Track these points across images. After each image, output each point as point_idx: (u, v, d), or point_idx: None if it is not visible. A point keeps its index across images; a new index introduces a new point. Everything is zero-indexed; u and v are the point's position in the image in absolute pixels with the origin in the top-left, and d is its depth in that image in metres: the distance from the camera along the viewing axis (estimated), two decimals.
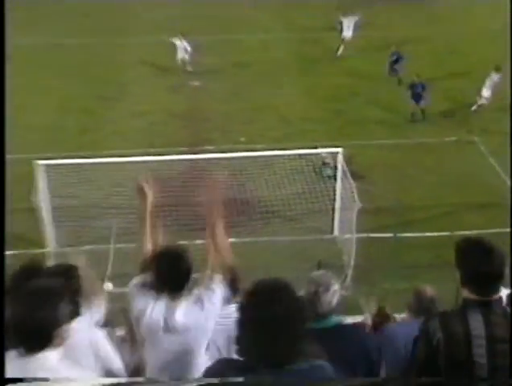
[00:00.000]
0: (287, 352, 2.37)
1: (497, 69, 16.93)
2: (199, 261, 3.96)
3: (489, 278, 3.05)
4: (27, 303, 2.78)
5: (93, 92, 18.41)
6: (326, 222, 12.39)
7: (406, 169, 14.45)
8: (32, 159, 11.73)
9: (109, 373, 3.50)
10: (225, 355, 4.01)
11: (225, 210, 4.09)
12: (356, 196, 11.46)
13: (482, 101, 16.99)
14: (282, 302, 2.38)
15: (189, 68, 20.12)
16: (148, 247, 4.14)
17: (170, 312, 3.73)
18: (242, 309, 2.47)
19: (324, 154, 13.35)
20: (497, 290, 3.09)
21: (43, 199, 11.52)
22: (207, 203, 4.15)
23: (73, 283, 3.35)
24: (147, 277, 3.85)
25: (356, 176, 12.43)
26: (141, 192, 4.26)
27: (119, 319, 4.22)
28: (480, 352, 3.00)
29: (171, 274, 3.75)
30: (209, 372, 2.66)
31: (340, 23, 21.70)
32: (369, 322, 5.86)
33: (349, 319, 4.41)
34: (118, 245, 10.78)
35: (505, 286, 4.12)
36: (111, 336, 3.81)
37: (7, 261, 3.92)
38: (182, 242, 4.48)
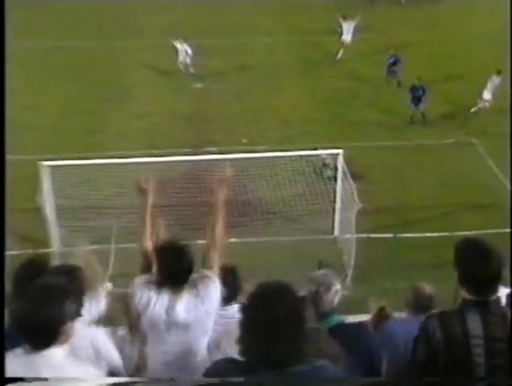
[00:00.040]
0: (288, 353, 2.39)
1: (499, 72, 17.16)
2: (200, 261, 3.98)
3: (486, 280, 3.06)
4: (33, 300, 2.78)
5: (97, 95, 18.51)
6: (326, 222, 12.45)
7: (406, 170, 14.51)
8: (37, 160, 11.83)
9: (109, 371, 3.49)
10: (227, 354, 3.92)
11: (228, 209, 4.10)
12: (356, 197, 11.52)
13: (484, 104, 17.13)
14: (283, 304, 2.41)
15: (191, 70, 20.24)
16: (147, 245, 4.13)
17: (172, 306, 3.72)
18: (244, 310, 2.50)
19: (324, 156, 13.38)
20: (494, 291, 3.10)
21: (47, 200, 11.60)
22: (211, 199, 4.14)
23: (77, 283, 3.35)
24: (150, 277, 3.86)
25: (356, 177, 12.49)
26: (141, 191, 4.27)
27: (120, 318, 4.20)
28: (478, 352, 3.02)
29: (174, 268, 3.74)
30: (211, 371, 2.68)
31: (340, 27, 21.78)
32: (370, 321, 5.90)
33: (351, 318, 4.35)
34: (121, 245, 10.83)
35: (506, 285, 4.19)
36: (112, 335, 3.82)
37: (13, 260, 3.94)
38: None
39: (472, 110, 17.27)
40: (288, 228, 12.28)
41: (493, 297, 3.10)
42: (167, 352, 3.79)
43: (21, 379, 2.57)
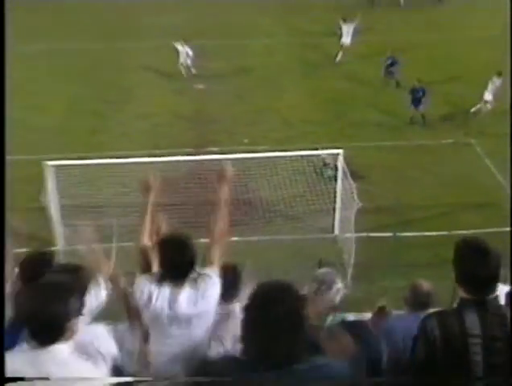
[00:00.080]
0: (290, 352, 2.39)
1: (499, 74, 17.31)
2: (201, 260, 3.96)
3: (483, 280, 3.07)
4: (40, 297, 2.80)
5: (101, 96, 18.64)
6: (327, 221, 12.51)
7: (405, 170, 14.57)
8: (42, 160, 11.93)
9: (112, 367, 3.41)
10: (227, 350, 3.92)
11: (230, 207, 4.10)
12: (355, 196, 11.60)
13: (485, 105, 17.22)
14: (284, 303, 2.41)
15: (193, 71, 20.35)
16: (145, 241, 4.12)
17: (174, 299, 3.72)
18: (246, 309, 2.50)
19: (324, 156, 13.42)
20: (492, 291, 3.10)
21: (51, 199, 11.69)
22: (214, 197, 4.16)
23: (80, 281, 3.38)
24: (151, 276, 3.87)
25: (356, 177, 12.54)
26: (146, 187, 4.29)
27: (120, 313, 4.16)
28: (476, 351, 3.03)
29: (176, 261, 3.73)
30: (212, 370, 2.70)
31: (340, 29, 21.80)
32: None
33: (351, 317, 4.41)
34: (124, 244, 10.89)
35: (505, 283, 4.23)
36: (113, 330, 3.69)
37: (19, 258, 3.98)
38: None
39: (472, 110, 17.39)
40: (289, 227, 12.33)
41: (491, 296, 3.10)
42: (171, 345, 3.79)
43: (21, 379, 2.56)
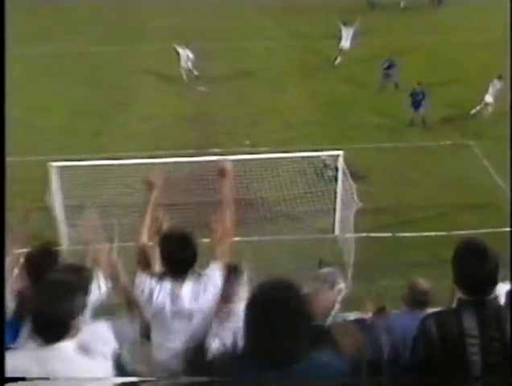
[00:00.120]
0: (291, 351, 2.39)
1: (500, 77, 17.45)
2: (204, 259, 3.99)
3: (480, 281, 3.06)
4: (45, 295, 2.82)
5: (104, 98, 18.76)
6: (327, 222, 12.57)
7: (405, 171, 14.64)
8: (46, 161, 12.04)
9: (114, 364, 3.32)
10: (227, 348, 3.86)
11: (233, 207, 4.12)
12: (355, 197, 11.70)
13: (486, 107, 17.34)
14: (286, 302, 2.40)
15: (195, 73, 20.45)
16: (144, 240, 4.10)
17: (176, 294, 3.73)
18: (248, 308, 2.49)
19: (325, 157, 13.46)
20: (490, 292, 3.09)
21: (56, 199, 11.78)
22: (218, 196, 4.18)
23: (84, 281, 3.41)
24: (152, 274, 3.88)
25: (356, 178, 12.62)
26: (149, 184, 4.28)
27: (122, 312, 4.15)
28: (474, 351, 3.03)
29: (177, 256, 3.73)
30: (214, 368, 2.70)
31: (340, 31, 21.83)
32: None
33: (352, 316, 4.44)
34: (126, 244, 10.98)
35: (505, 282, 4.23)
36: (113, 326, 3.76)
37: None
38: None
39: (472, 112, 17.50)
40: (290, 227, 12.41)
41: (490, 297, 3.10)
42: (173, 340, 3.80)
43: (22, 379, 2.56)
